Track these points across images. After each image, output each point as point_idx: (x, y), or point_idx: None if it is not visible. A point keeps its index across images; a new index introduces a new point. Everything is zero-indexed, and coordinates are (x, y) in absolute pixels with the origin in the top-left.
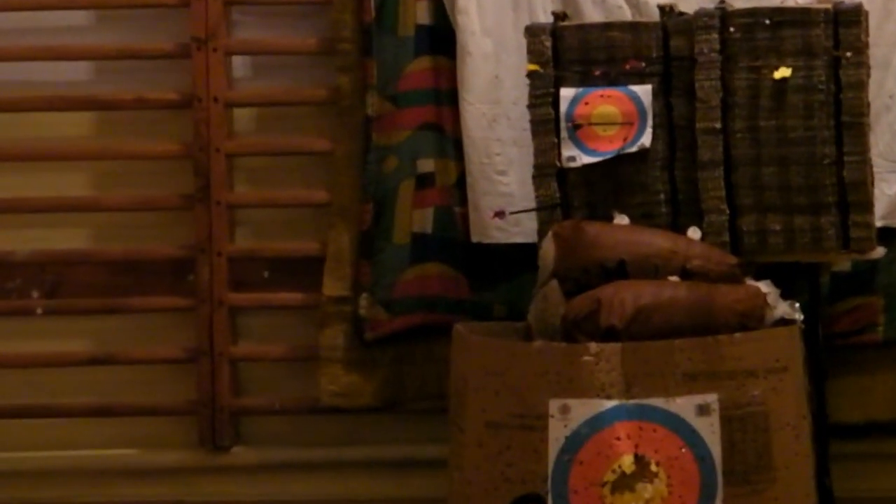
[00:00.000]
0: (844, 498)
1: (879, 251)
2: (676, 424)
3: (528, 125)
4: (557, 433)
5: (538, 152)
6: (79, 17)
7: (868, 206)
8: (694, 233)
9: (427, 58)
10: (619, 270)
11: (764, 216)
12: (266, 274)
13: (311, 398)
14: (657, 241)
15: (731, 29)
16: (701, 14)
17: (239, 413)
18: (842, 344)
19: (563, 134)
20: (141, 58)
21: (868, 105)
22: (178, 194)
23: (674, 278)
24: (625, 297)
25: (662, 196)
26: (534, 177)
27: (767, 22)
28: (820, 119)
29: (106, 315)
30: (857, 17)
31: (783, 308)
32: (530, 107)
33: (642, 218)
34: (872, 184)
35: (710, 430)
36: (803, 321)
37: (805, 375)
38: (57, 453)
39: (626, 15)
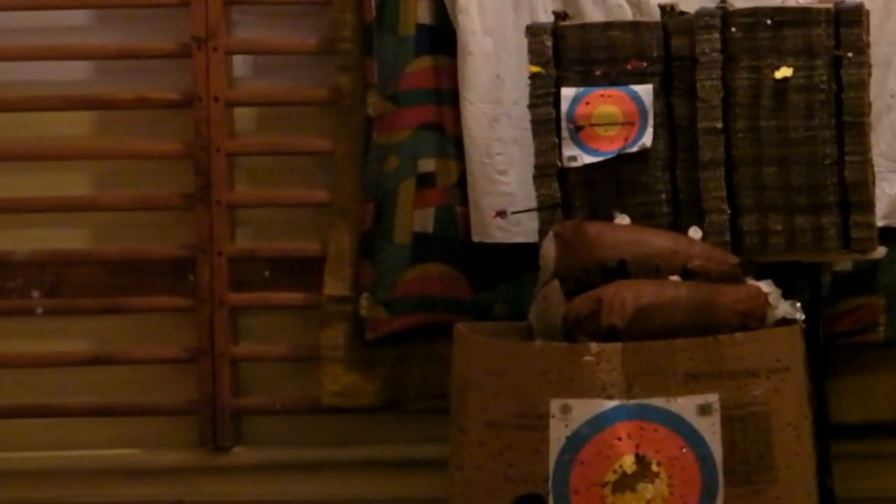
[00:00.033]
0: (845, 498)
1: (880, 251)
2: (677, 424)
3: (528, 125)
4: (558, 433)
5: (539, 152)
6: (79, 17)
7: (869, 205)
8: (695, 232)
9: (428, 57)
10: (620, 270)
11: (765, 216)
12: (267, 274)
13: (311, 398)
14: (658, 240)
15: (733, 28)
16: (702, 14)
17: (240, 413)
18: (843, 344)
19: (564, 134)
20: (141, 57)
21: (869, 105)
22: (179, 194)
23: (675, 278)
24: (626, 296)
25: (663, 196)
26: (535, 177)
27: (769, 21)
28: (821, 119)
29: (106, 315)
30: (858, 17)
31: (784, 308)
32: (531, 106)
33: (643, 218)
34: (874, 183)
35: (711, 430)
36: (804, 321)
37: (806, 375)
38: (57, 453)
39: (627, 14)
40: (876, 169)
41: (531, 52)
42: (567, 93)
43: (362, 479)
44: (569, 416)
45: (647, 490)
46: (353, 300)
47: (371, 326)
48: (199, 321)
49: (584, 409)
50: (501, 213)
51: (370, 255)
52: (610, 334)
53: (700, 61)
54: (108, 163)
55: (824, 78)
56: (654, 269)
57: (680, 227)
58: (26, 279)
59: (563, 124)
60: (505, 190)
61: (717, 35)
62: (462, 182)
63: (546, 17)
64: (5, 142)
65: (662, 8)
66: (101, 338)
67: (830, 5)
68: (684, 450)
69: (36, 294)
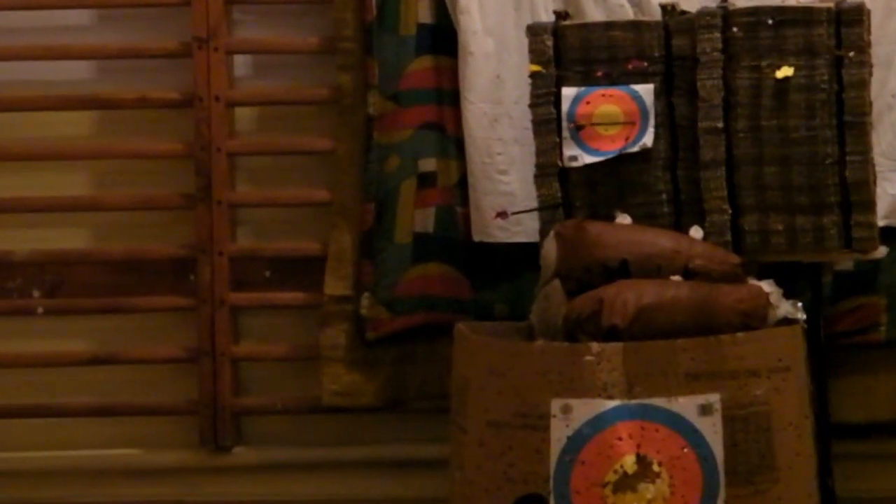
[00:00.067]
0: (847, 498)
1: (882, 251)
2: (679, 424)
3: (529, 124)
4: (559, 433)
5: (540, 152)
6: (80, 17)
7: (870, 205)
8: (696, 232)
9: (428, 57)
10: (622, 270)
11: (766, 216)
12: (267, 273)
13: (312, 398)
14: (659, 240)
15: (734, 28)
16: (703, 13)
17: (240, 413)
18: (844, 344)
19: (565, 133)
20: (142, 57)
21: (870, 104)
22: (180, 194)
23: (676, 278)
24: (627, 296)
25: (664, 196)
26: (536, 176)
27: (770, 21)
28: (822, 118)
29: (107, 315)
30: (859, 16)
31: (785, 308)
32: (532, 106)
33: (644, 217)
34: (875, 183)
35: (712, 430)
36: (806, 321)
37: (807, 375)
38: (58, 453)
39: (628, 14)
40: (877, 168)
41: (532, 51)
42: (568, 92)
43: (363, 479)
44: (570, 415)
45: (648, 490)
46: (354, 300)
47: (372, 326)
48: (200, 321)
49: (585, 409)
50: (502, 214)
51: (371, 255)
52: (611, 334)
53: (701, 61)
54: (109, 162)
55: (825, 77)
56: (655, 269)
57: (681, 227)
58: (27, 279)
59: (564, 124)
60: (506, 190)
61: (718, 34)
62: (463, 182)
63: (547, 17)
64: (6, 141)
65: (663, 7)
66: (102, 338)
67: (831, 5)
68: (685, 450)
69: (36, 294)
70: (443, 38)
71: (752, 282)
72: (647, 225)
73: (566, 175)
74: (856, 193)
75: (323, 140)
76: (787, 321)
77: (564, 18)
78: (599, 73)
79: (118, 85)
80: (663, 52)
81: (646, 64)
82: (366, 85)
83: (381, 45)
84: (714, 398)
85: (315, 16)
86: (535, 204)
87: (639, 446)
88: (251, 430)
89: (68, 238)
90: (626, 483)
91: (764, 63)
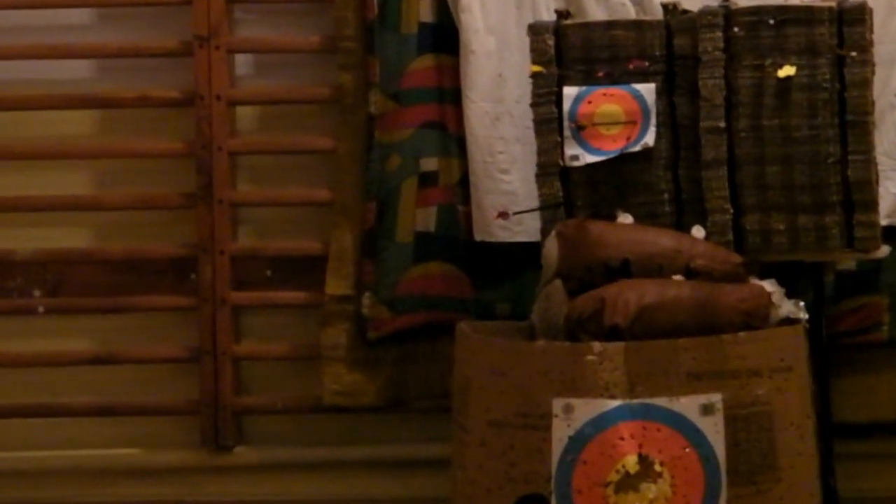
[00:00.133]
0: (849, 498)
1: (884, 250)
2: (680, 424)
3: (531, 123)
4: (561, 433)
5: (541, 151)
6: (81, 16)
7: (872, 204)
8: (698, 232)
9: (430, 56)
10: (623, 269)
11: (768, 215)
12: (268, 273)
13: (313, 397)
14: (661, 240)
15: (735, 27)
16: (705, 12)
17: (241, 412)
18: (846, 343)
19: (567, 133)
20: (143, 56)
21: (873, 103)
22: (181, 193)
23: (678, 277)
24: (628, 296)
25: (666, 195)
26: (537, 176)
27: (771, 20)
28: (824, 118)
29: (108, 314)
30: (861, 15)
31: (788, 307)
32: (533, 105)
33: (646, 217)
34: (877, 182)
35: (714, 430)
36: (808, 320)
37: (809, 375)
38: (58, 453)
39: (630, 13)
40: (879, 168)
41: (533, 50)
42: (569, 92)
43: (364, 479)
44: (571, 415)
45: (650, 490)
46: (355, 299)
47: (373, 325)
48: (201, 320)
49: (587, 409)
50: (503, 215)
51: (372, 254)
52: (613, 334)
53: (703, 60)
54: (110, 162)
55: (827, 77)
56: (656, 269)
57: (683, 227)
58: (27, 278)
59: (566, 123)
60: (507, 189)
61: (719, 34)
62: (464, 181)
63: (548, 16)
64: (7, 140)
65: (665, 6)
66: (103, 337)
67: (833, 4)
68: (687, 450)
69: (37, 293)
70: (444, 36)
71: (754, 281)
72: (649, 224)
73: (568, 174)
74: (858, 193)
75: (324, 139)
76: (789, 321)
77: (566, 17)
78: (601, 73)
79: (119, 84)
80: (665, 52)
81: (647, 63)
82: (367, 84)
83: (383, 43)
84: (716, 398)
85: (316, 14)
86: (536, 203)
87: (640, 446)
88: (252, 430)
89: (69, 237)
90: (627, 483)
91: (766, 62)
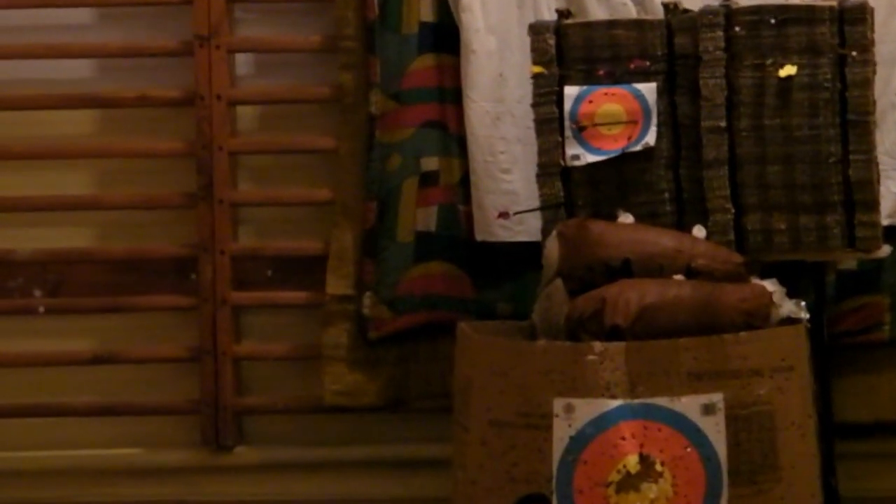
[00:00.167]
0: (850, 497)
1: (885, 250)
2: (681, 424)
3: (532, 123)
4: (562, 433)
5: (542, 151)
6: (81, 15)
7: (874, 204)
8: (699, 231)
9: (431, 55)
10: (624, 269)
11: (769, 215)
12: (269, 272)
13: (314, 397)
14: (662, 239)
15: (736, 27)
16: (706, 12)
17: (242, 412)
18: (848, 343)
19: (568, 132)
20: (143, 55)
21: (874, 103)
22: (181, 193)
23: (679, 277)
24: (629, 296)
25: (667, 195)
26: (538, 175)
27: (773, 20)
28: (825, 117)
29: (108, 314)
30: (862, 15)
31: (789, 307)
32: (534, 105)
33: (647, 217)
34: (878, 182)
35: (715, 430)
36: (809, 320)
37: (811, 374)
38: (59, 453)
39: (631, 13)
40: (881, 167)
41: (534, 50)
42: (570, 91)
43: (365, 479)
44: (572, 415)
45: (651, 490)
46: (356, 299)
47: (374, 325)
48: (202, 320)
49: (588, 409)
50: (504, 215)
51: (373, 254)
52: (613, 333)
53: (704, 59)
54: (110, 161)
55: (828, 76)
56: (657, 269)
57: (684, 226)
58: (28, 278)
59: (567, 123)
60: (508, 188)
61: (720, 33)
62: (465, 181)
63: (549, 15)
64: (7, 140)
65: (666, 6)
66: (103, 337)
67: (834, 3)
68: (688, 449)
69: (38, 293)
70: (445, 36)
71: (755, 281)
72: (650, 224)
73: (568, 174)
74: (859, 192)
75: (325, 139)
76: (791, 320)
77: (567, 17)
78: (602, 72)
79: (119, 83)
80: (666, 51)
81: (648, 63)
82: (368, 83)
83: (383, 43)
84: (717, 398)
85: (317, 14)
86: (537, 203)
87: (642, 446)
88: (253, 430)
89: (70, 237)
90: (628, 483)
91: (767, 62)
